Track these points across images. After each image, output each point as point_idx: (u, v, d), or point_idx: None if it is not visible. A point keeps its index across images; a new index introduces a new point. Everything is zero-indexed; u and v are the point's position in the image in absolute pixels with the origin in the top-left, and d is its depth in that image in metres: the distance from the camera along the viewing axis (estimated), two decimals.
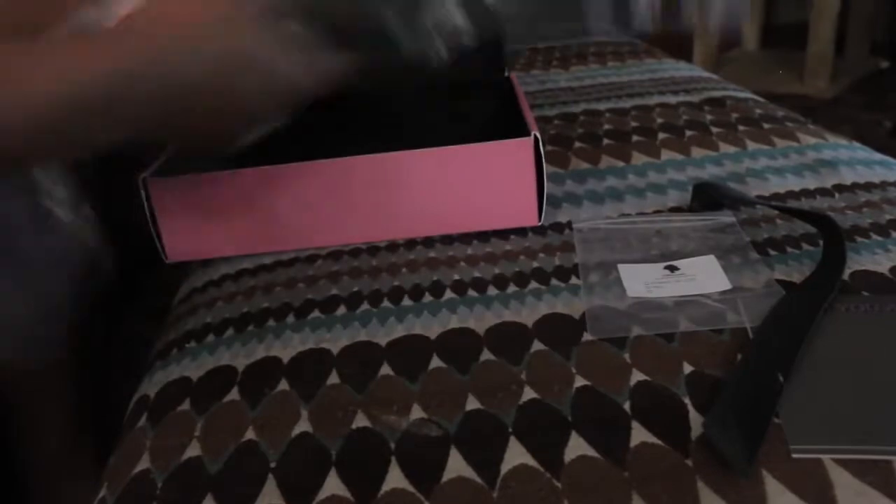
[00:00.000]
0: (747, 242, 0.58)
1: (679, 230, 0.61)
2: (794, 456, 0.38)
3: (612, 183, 0.71)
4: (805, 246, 0.57)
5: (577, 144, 0.82)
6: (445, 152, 0.61)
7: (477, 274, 0.58)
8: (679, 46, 2.41)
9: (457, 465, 0.40)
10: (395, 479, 0.40)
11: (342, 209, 0.63)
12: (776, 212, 0.62)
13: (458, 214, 0.63)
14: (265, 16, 0.49)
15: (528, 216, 0.63)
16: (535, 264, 0.58)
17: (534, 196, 0.62)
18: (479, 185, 0.62)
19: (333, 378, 0.48)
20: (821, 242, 0.57)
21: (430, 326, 0.52)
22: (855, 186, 0.67)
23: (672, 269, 0.55)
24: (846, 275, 0.53)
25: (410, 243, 0.64)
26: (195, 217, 0.63)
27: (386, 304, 0.55)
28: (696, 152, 0.77)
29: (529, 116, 0.65)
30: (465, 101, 0.74)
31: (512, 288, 0.55)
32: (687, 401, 0.43)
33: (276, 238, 0.65)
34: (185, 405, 0.48)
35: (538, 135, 0.61)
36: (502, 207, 0.63)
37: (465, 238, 0.63)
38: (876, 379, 0.43)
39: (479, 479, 0.39)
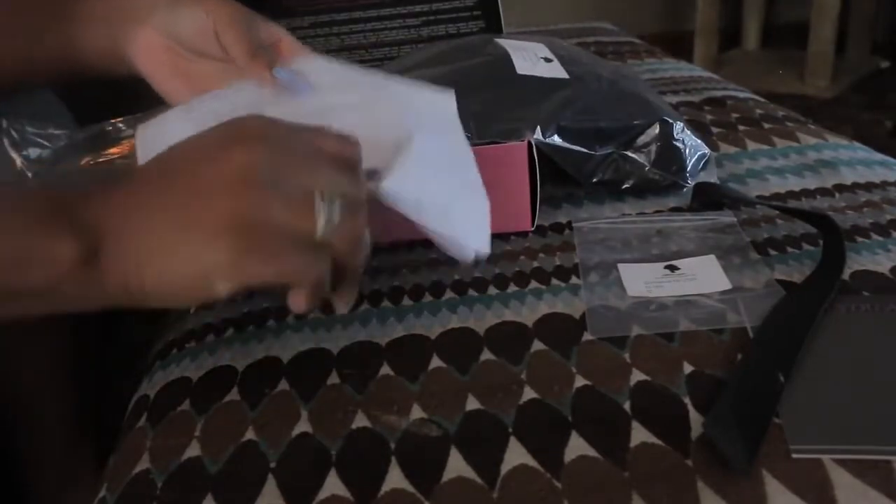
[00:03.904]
0: (747, 242, 0.58)
1: (679, 230, 0.61)
2: (794, 456, 0.38)
3: None
4: (805, 246, 0.57)
5: None
6: None
7: (477, 274, 0.58)
8: (680, 46, 2.41)
9: (457, 465, 0.40)
10: (395, 479, 0.40)
11: None
12: (776, 212, 0.62)
13: None
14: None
15: (521, 221, 0.63)
16: (535, 264, 0.58)
17: (527, 202, 0.62)
18: None
19: (333, 378, 0.48)
20: (821, 242, 0.57)
21: (430, 326, 0.52)
22: (855, 186, 0.67)
23: (672, 268, 0.55)
24: (846, 275, 0.53)
25: (411, 244, 0.64)
26: None
27: (386, 304, 0.55)
28: None
29: None
30: None
31: (512, 288, 0.55)
32: (687, 401, 0.42)
33: None
34: (185, 405, 0.48)
35: (532, 141, 0.61)
36: (496, 211, 0.63)
37: None
38: (876, 379, 0.43)
39: (479, 479, 0.39)
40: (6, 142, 0.61)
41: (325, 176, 0.40)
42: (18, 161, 0.62)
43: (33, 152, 0.62)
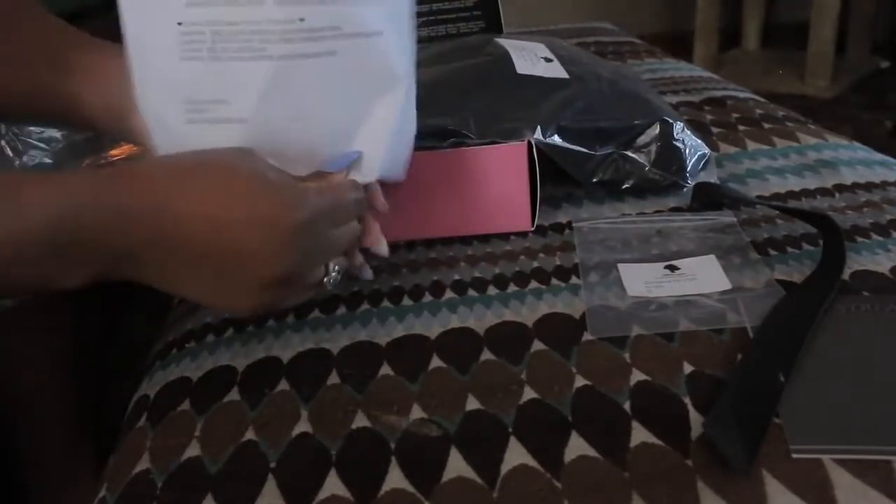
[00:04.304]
0: (747, 242, 0.58)
1: (679, 230, 0.61)
2: (794, 456, 0.38)
3: None
4: (805, 246, 0.57)
5: None
6: (439, 155, 0.61)
7: (477, 274, 0.58)
8: (680, 46, 2.41)
9: (457, 465, 0.40)
10: (395, 479, 0.40)
11: None
12: (776, 212, 0.62)
13: (451, 218, 0.63)
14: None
15: (521, 221, 0.63)
16: (535, 264, 0.58)
17: (527, 201, 0.62)
18: (472, 189, 0.62)
19: (333, 378, 0.48)
20: (821, 242, 0.57)
21: (430, 326, 0.52)
22: (855, 186, 0.67)
23: (672, 268, 0.55)
24: (846, 275, 0.53)
25: (410, 243, 0.64)
26: None
27: (386, 304, 0.55)
28: None
29: None
30: None
31: (512, 288, 0.55)
32: (687, 401, 0.42)
33: None
34: (185, 405, 0.48)
35: (532, 141, 0.61)
36: (496, 212, 0.63)
37: (466, 238, 0.63)
38: (876, 379, 0.43)
39: (479, 479, 0.39)
40: (6, 147, 0.61)
41: (338, 255, 0.47)
42: (18, 165, 0.62)
43: (33, 156, 0.62)
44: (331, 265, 0.46)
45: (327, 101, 0.46)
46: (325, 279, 0.46)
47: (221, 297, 0.43)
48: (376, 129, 0.48)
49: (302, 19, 0.42)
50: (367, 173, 0.49)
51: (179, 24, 0.42)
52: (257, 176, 0.42)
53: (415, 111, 0.50)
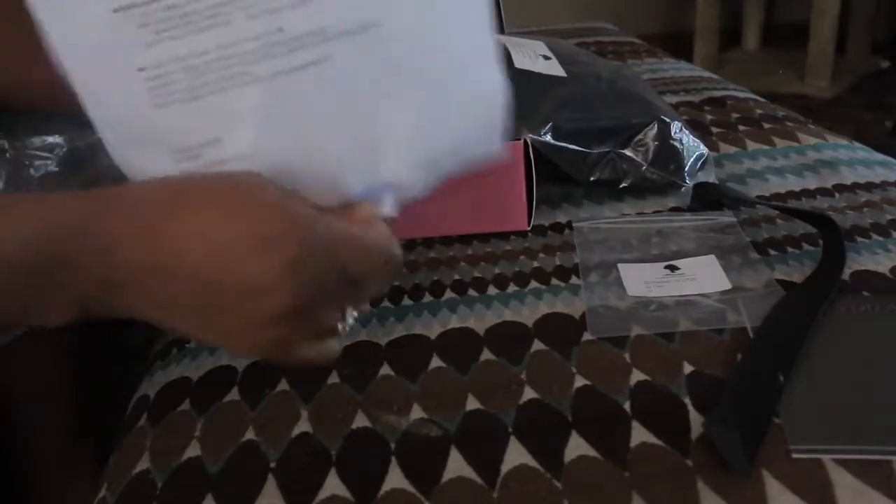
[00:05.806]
0: (747, 242, 0.58)
1: (679, 230, 0.61)
2: (794, 456, 0.38)
3: None
4: (805, 246, 0.57)
5: None
6: None
7: (477, 274, 0.58)
8: (680, 46, 2.41)
9: (457, 465, 0.40)
10: (395, 479, 0.40)
11: None
12: (776, 212, 0.62)
13: (446, 216, 0.63)
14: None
15: (517, 220, 0.63)
16: (535, 264, 0.58)
17: (523, 200, 0.62)
18: (467, 186, 0.62)
19: (333, 378, 0.48)
20: (821, 242, 0.57)
21: (430, 326, 0.52)
22: (855, 186, 0.67)
23: (672, 268, 0.55)
24: (846, 275, 0.53)
25: (410, 243, 0.64)
26: None
27: (386, 304, 0.55)
28: None
29: None
30: None
31: (512, 288, 0.55)
32: (687, 401, 0.42)
33: None
34: (185, 405, 0.48)
35: (528, 139, 0.61)
36: (491, 210, 0.63)
37: (466, 238, 0.63)
38: (876, 379, 0.43)
39: (479, 479, 0.39)
40: (11, 161, 0.61)
41: (349, 301, 0.39)
42: (26, 176, 0.62)
43: (38, 167, 0.62)
44: (348, 310, 0.39)
45: (336, 116, 0.40)
46: (340, 326, 0.39)
47: (217, 331, 0.37)
48: (397, 138, 0.41)
49: (280, 29, 0.38)
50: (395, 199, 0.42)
51: (141, 70, 0.37)
52: (262, 193, 0.37)
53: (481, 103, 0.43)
